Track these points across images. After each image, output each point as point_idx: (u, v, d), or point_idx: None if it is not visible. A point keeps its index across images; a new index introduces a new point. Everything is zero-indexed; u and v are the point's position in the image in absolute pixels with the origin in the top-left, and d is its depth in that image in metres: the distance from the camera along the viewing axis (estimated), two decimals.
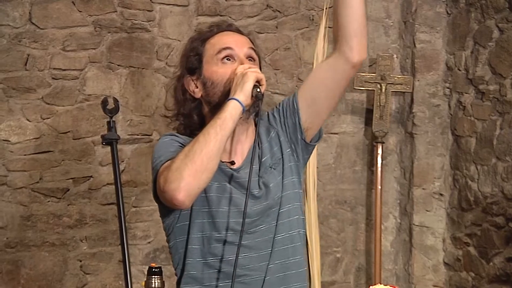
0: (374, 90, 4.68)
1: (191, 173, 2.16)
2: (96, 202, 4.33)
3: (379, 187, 4.60)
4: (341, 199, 4.76)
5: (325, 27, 4.49)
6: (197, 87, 2.39)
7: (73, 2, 4.33)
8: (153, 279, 3.20)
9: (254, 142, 2.33)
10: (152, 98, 4.45)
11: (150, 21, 4.46)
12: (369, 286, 2.55)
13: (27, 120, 4.25)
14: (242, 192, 2.29)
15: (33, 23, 4.26)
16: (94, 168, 4.33)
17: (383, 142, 4.70)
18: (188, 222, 2.31)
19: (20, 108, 4.24)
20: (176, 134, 2.38)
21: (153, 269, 3.23)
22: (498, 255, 4.28)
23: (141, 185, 4.38)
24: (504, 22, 4.31)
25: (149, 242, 4.42)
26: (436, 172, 4.75)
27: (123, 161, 4.36)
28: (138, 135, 4.43)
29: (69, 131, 4.31)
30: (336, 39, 2.34)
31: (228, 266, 2.27)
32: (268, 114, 2.45)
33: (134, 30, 4.42)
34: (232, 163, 2.35)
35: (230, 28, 2.46)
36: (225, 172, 2.32)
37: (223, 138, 2.22)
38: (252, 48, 2.41)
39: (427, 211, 4.74)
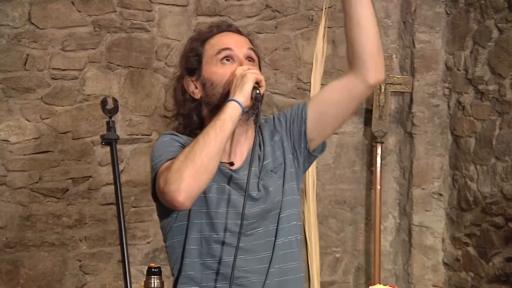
0: (373, 90, 4.67)
1: (191, 174, 2.16)
2: (95, 202, 4.33)
3: (379, 187, 4.61)
4: (341, 199, 4.76)
5: (325, 27, 4.49)
6: (196, 88, 2.39)
7: (72, 2, 4.33)
8: (153, 279, 3.20)
9: (253, 144, 2.33)
10: (152, 98, 4.45)
11: (149, 21, 4.46)
12: (368, 286, 2.55)
13: (27, 120, 4.25)
14: (241, 193, 2.30)
15: (32, 23, 4.26)
16: (94, 168, 4.33)
17: (383, 142, 4.70)
18: (186, 222, 2.30)
19: (19, 108, 4.24)
20: (176, 133, 2.38)
21: (153, 269, 3.22)
22: (498, 255, 4.28)
23: (141, 185, 4.38)
24: (503, 22, 4.31)
25: (148, 242, 4.42)
26: (436, 172, 4.75)
27: (122, 161, 4.36)
28: (137, 135, 4.43)
29: (68, 131, 4.31)
30: (350, 60, 2.33)
31: (225, 268, 2.27)
32: (274, 118, 2.45)
33: (134, 30, 4.42)
34: (231, 164, 2.35)
35: (229, 28, 2.45)
36: (224, 173, 2.32)
37: (223, 139, 2.22)
38: (252, 49, 2.41)
39: (426, 211, 4.74)
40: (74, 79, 4.33)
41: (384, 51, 4.91)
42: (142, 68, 4.44)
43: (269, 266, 2.31)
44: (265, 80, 2.33)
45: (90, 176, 4.34)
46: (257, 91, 2.27)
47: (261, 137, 2.41)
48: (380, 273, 4.59)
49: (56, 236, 4.26)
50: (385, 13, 4.83)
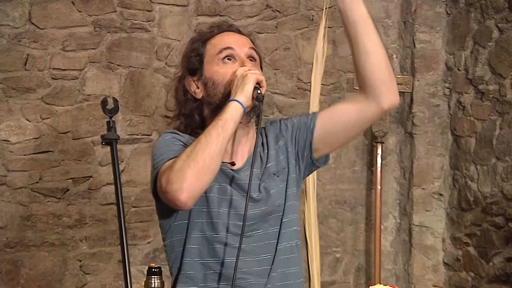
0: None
1: (193, 174, 2.16)
2: (95, 202, 4.32)
3: (379, 187, 4.61)
4: (341, 199, 4.76)
5: (325, 27, 4.49)
6: (198, 88, 2.39)
7: (72, 2, 4.33)
8: (153, 279, 3.20)
9: (255, 145, 2.33)
10: (152, 98, 4.45)
11: (149, 21, 4.46)
12: (368, 286, 2.55)
13: (27, 120, 4.25)
14: (241, 194, 2.30)
15: (32, 23, 4.26)
16: (94, 168, 4.33)
17: (383, 142, 4.70)
18: (186, 221, 2.30)
19: (19, 108, 4.24)
20: (178, 132, 2.38)
21: (153, 269, 3.23)
22: (498, 255, 4.28)
23: (141, 185, 4.38)
24: (503, 22, 4.31)
25: (148, 242, 4.42)
26: (436, 172, 4.75)
27: (122, 161, 4.36)
28: (137, 135, 4.43)
29: (68, 131, 4.31)
30: (361, 86, 2.33)
31: (225, 268, 2.27)
32: (280, 122, 2.45)
33: (134, 30, 4.42)
34: (233, 163, 2.35)
35: (230, 28, 2.46)
36: (226, 173, 2.32)
37: (225, 139, 2.22)
38: (253, 48, 2.41)
39: (426, 211, 4.74)
40: (75, 79, 4.33)
41: None
42: (143, 68, 4.44)
43: (270, 269, 2.31)
44: (266, 80, 2.33)
45: (91, 176, 4.34)
46: (258, 91, 2.27)
47: (265, 139, 2.42)
48: (380, 273, 4.59)
49: (57, 236, 4.26)
50: (386, 13, 4.83)
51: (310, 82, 4.61)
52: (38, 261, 4.23)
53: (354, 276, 4.78)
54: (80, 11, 4.34)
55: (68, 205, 4.29)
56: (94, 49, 4.36)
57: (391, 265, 4.81)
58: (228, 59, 2.36)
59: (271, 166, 2.37)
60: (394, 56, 4.81)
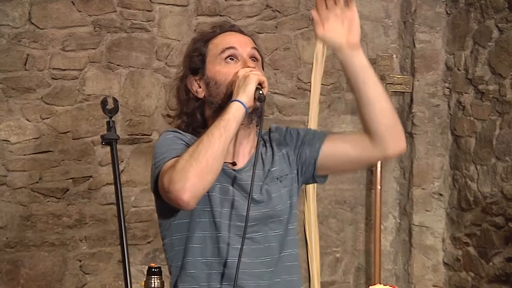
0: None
1: (196, 174, 2.16)
2: (95, 202, 4.32)
3: (379, 187, 4.60)
4: (341, 199, 4.76)
5: None
6: (200, 87, 2.39)
7: (72, 2, 4.33)
8: (153, 279, 3.20)
9: (257, 145, 2.33)
10: (152, 98, 4.45)
11: (149, 21, 4.46)
12: (368, 286, 2.54)
13: (27, 120, 4.25)
14: (243, 194, 2.30)
15: (32, 23, 4.26)
16: (94, 168, 4.33)
17: None
18: (188, 220, 2.30)
19: (19, 108, 4.24)
20: (179, 131, 2.37)
21: (153, 269, 3.22)
22: (498, 255, 4.28)
23: (141, 185, 4.38)
24: (503, 22, 4.31)
25: (148, 242, 4.42)
26: (436, 172, 4.75)
27: (122, 161, 4.36)
28: (137, 135, 4.43)
29: (68, 131, 4.31)
30: (367, 133, 2.34)
31: (227, 268, 2.27)
32: (285, 130, 2.46)
33: (134, 30, 4.42)
34: (234, 164, 2.35)
35: (233, 28, 2.46)
36: (228, 174, 2.32)
37: (227, 139, 2.22)
38: (255, 48, 2.41)
39: (426, 211, 4.74)
40: (74, 79, 4.33)
41: (384, 51, 4.95)
42: (142, 68, 4.44)
43: (272, 273, 2.32)
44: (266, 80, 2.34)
45: (91, 176, 4.34)
46: (260, 92, 2.27)
47: (269, 143, 2.43)
48: (380, 273, 4.59)
49: (56, 236, 4.26)
50: (385, 13, 4.83)
51: (310, 82, 4.61)
52: (38, 261, 4.23)
53: (354, 276, 4.78)
54: (80, 11, 4.34)
55: (68, 205, 4.29)
56: (94, 49, 4.36)
57: (391, 265, 4.81)
58: (230, 59, 2.36)
59: (276, 170, 2.38)
60: (394, 56, 4.81)
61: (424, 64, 4.76)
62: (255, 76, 2.28)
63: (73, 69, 4.33)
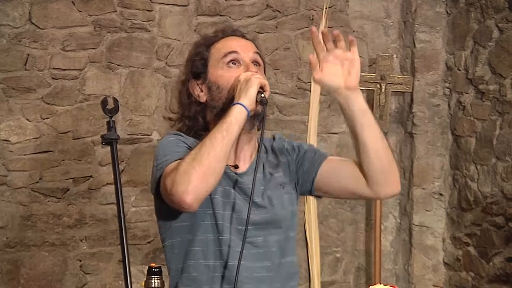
0: (374, 90, 4.68)
1: (199, 176, 2.16)
2: (96, 202, 4.32)
3: None
4: (341, 199, 4.76)
5: (325, 27, 4.49)
6: (202, 91, 2.38)
7: (72, 2, 4.33)
8: (153, 279, 3.19)
9: (258, 151, 2.33)
10: (152, 98, 4.44)
11: (149, 21, 4.45)
12: (368, 286, 2.54)
13: (27, 120, 4.25)
14: (244, 198, 2.30)
15: (33, 23, 4.25)
16: (94, 168, 4.33)
17: None
18: (189, 223, 2.30)
19: (20, 108, 4.24)
20: (181, 134, 2.37)
21: (153, 269, 3.22)
22: (498, 255, 4.28)
23: (141, 185, 4.38)
24: (504, 22, 4.31)
25: (148, 242, 4.42)
26: (436, 172, 4.75)
27: (122, 161, 4.36)
28: (137, 135, 4.43)
29: (69, 131, 4.31)
30: (362, 173, 2.35)
31: (228, 271, 2.27)
32: (287, 142, 2.47)
33: (134, 30, 4.42)
34: (236, 167, 2.35)
35: (235, 33, 2.46)
36: (230, 177, 2.32)
37: (229, 142, 2.22)
38: (257, 53, 2.41)
39: (427, 211, 4.74)
40: (75, 79, 4.33)
41: (384, 51, 4.95)
42: (143, 68, 4.44)
43: (272, 278, 2.31)
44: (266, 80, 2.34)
45: (91, 176, 4.34)
46: (262, 95, 2.27)
47: (270, 150, 2.43)
48: (380, 273, 4.59)
49: (57, 236, 4.26)
50: (386, 12, 4.83)
51: (310, 82, 4.62)
52: (38, 261, 4.23)
53: (354, 276, 4.78)
54: (80, 11, 4.34)
55: (68, 205, 4.29)
56: (94, 49, 4.36)
57: (391, 265, 4.81)
58: (233, 63, 2.36)
59: (280, 176, 2.39)
60: (394, 56, 4.81)
61: (425, 64, 4.76)
62: (256, 79, 2.28)
63: (73, 69, 4.33)
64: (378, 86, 4.68)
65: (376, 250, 4.60)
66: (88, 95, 4.34)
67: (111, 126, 2.41)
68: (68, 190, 4.30)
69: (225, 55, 2.36)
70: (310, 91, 4.63)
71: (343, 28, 4.59)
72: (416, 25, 4.75)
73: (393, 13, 4.84)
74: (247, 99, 2.25)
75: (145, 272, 3.29)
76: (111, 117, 2.40)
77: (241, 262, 2.24)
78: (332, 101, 4.71)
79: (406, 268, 4.78)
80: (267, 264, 2.32)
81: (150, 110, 4.44)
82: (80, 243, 4.31)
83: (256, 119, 2.31)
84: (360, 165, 2.35)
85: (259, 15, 4.65)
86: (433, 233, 4.74)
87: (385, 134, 4.67)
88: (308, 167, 2.41)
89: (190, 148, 2.27)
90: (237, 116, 2.23)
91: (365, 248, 4.78)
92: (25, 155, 4.24)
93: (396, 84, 4.72)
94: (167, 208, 2.28)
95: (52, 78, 4.30)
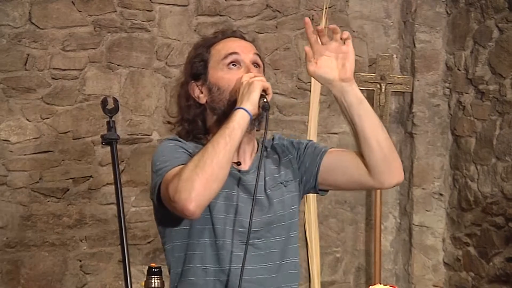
0: (373, 90, 4.68)
1: (202, 183, 2.14)
2: (96, 202, 4.32)
3: None
4: (341, 199, 4.76)
5: (325, 27, 4.48)
6: (202, 93, 2.37)
7: (72, 2, 4.33)
8: (153, 279, 3.19)
9: (260, 150, 2.33)
10: (152, 98, 4.44)
11: (149, 21, 4.45)
12: (368, 286, 2.54)
13: (27, 120, 4.25)
14: (248, 197, 2.29)
15: (33, 23, 4.26)
16: (94, 168, 4.33)
17: None
18: (188, 227, 2.29)
19: (20, 108, 4.24)
20: (179, 139, 2.36)
21: (153, 269, 3.22)
22: (498, 255, 4.28)
23: (141, 185, 4.38)
24: (504, 22, 4.31)
25: (149, 242, 4.42)
26: (436, 172, 4.75)
27: (123, 161, 4.36)
28: (138, 135, 4.43)
29: (69, 131, 4.31)
30: (365, 164, 2.33)
31: (226, 275, 2.26)
32: (287, 140, 2.46)
33: (134, 30, 4.42)
34: (238, 163, 2.34)
35: (235, 34, 2.45)
36: (233, 175, 2.30)
37: (232, 148, 2.20)
38: (257, 54, 2.40)
39: (427, 211, 4.74)
40: (75, 79, 4.33)
41: (384, 51, 4.95)
42: (143, 68, 4.44)
43: (273, 280, 2.30)
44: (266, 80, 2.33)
45: (91, 176, 4.34)
46: (265, 100, 2.25)
47: (271, 150, 2.43)
48: (380, 273, 4.59)
49: (57, 236, 4.26)
50: (386, 13, 4.83)
51: (310, 82, 4.62)
52: (38, 261, 4.23)
53: (354, 276, 4.78)
54: (80, 11, 4.34)
55: (68, 205, 4.29)
56: (94, 49, 4.36)
57: (391, 265, 4.81)
58: (233, 65, 2.35)
59: (282, 175, 2.38)
60: (394, 56, 4.81)
61: (424, 64, 4.76)
62: (259, 83, 2.26)
63: (73, 69, 4.33)
64: (378, 86, 4.67)
65: (376, 250, 4.60)
66: (88, 95, 4.34)
67: (111, 126, 2.40)
68: (68, 190, 4.30)
69: (226, 57, 2.35)
70: (310, 91, 4.63)
71: (343, 28, 4.57)
72: (416, 25, 4.75)
73: (393, 13, 4.84)
74: (249, 104, 2.23)
75: (145, 272, 3.29)
76: (111, 117, 2.40)
77: (241, 265, 2.22)
78: (332, 101, 4.71)
79: (406, 268, 4.78)
80: (268, 266, 2.30)
81: (150, 110, 4.44)
82: (80, 243, 4.31)
83: (257, 120, 2.30)
84: (362, 157, 2.33)
85: (259, 15, 4.65)
86: (433, 233, 4.74)
87: None
88: (309, 163, 2.39)
89: (190, 153, 2.26)
90: (239, 121, 2.21)
91: (365, 248, 4.78)
92: (25, 155, 4.24)
93: (396, 84, 4.72)
94: (167, 214, 2.27)
95: (52, 78, 4.30)
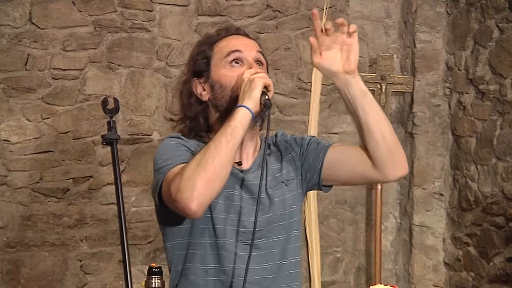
0: (374, 90, 4.68)
1: (204, 182, 2.13)
2: (96, 202, 4.33)
3: (379, 187, 4.60)
4: (341, 199, 4.76)
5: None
6: (204, 90, 2.36)
7: (73, 2, 4.33)
8: (153, 279, 3.19)
9: (262, 148, 2.32)
10: (152, 98, 4.45)
11: (150, 21, 4.46)
12: (369, 286, 2.54)
13: (27, 120, 4.25)
14: (250, 196, 2.29)
15: (33, 23, 4.26)
16: (94, 168, 4.33)
17: None
18: (189, 226, 2.29)
19: (20, 108, 4.25)
20: (182, 137, 2.35)
21: (153, 269, 3.22)
22: (498, 255, 4.28)
23: (141, 185, 4.38)
24: (504, 22, 4.31)
25: (149, 242, 4.42)
26: (436, 172, 4.75)
27: (123, 161, 4.36)
28: (138, 135, 4.43)
29: (69, 131, 4.31)
30: (369, 156, 2.32)
31: (226, 275, 2.26)
32: (290, 137, 2.45)
33: (134, 30, 4.42)
34: (239, 163, 2.34)
35: (238, 31, 2.44)
36: (235, 175, 2.30)
37: (234, 146, 2.19)
38: (260, 52, 2.40)
39: (427, 211, 4.74)
40: (75, 79, 4.33)
41: (385, 51, 4.94)
42: (143, 68, 4.44)
43: (273, 280, 2.30)
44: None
45: (91, 176, 4.34)
46: (266, 97, 2.24)
47: (273, 147, 2.42)
48: (380, 273, 4.59)
49: (57, 236, 4.26)
50: (386, 13, 4.83)
51: (311, 82, 4.61)
52: (39, 261, 4.23)
53: (354, 276, 4.78)
54: (80, 11, 4.34)
55: (68, 205, 4.30)
56: (94, 49, 4.37)
57: (391, 265, 4.81)
58: (236, 62, 2.34)
59: (283, 174, 2.37)
60: (395, 56, 4.81)
61: (425, 64, 4.76)
62: (260, 80, 2.25)
63: (73, 69, 4.33)
64: (379, 86, 4.68)
65: (376, 250, 4.60)
66: (89, 95, 4.34)
67: (111, 126, 2.40)
68: (69, 190, 4.30)
69: (228, 54, 2.35)
70: (310, 91, 4.62)
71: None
72: (417, 25, 4.75)
73: (394, 13, 4.84)
74: (251, 101, 2.22)
75: (146, 272, 3.29)
76: (111, 117, 2.40)
77: (241, 265, 2.22)
78: (332, 101, 4.71)
79: (407, 268, 4.78)
80: (268, 266, 2.30)
81: (151, 110, 4.44)
82: (80, 243, 4.31)
83: (259, 117, 2.29)
84: (365, 150, 2.32)
85: (260, 15, 4.65)
86: (434, 233, 4.74)
87: None
88: (313, 158, 2.38)
89: (192, 151, 2.26)
90: (241, 119, 2.20)
91: (366, 248, 4.79)
92: (25, 155, 4.24)
93: (397, 84, 4.72)
94: (169, 212, 2.26)
95: (53, 78, 4.30)
